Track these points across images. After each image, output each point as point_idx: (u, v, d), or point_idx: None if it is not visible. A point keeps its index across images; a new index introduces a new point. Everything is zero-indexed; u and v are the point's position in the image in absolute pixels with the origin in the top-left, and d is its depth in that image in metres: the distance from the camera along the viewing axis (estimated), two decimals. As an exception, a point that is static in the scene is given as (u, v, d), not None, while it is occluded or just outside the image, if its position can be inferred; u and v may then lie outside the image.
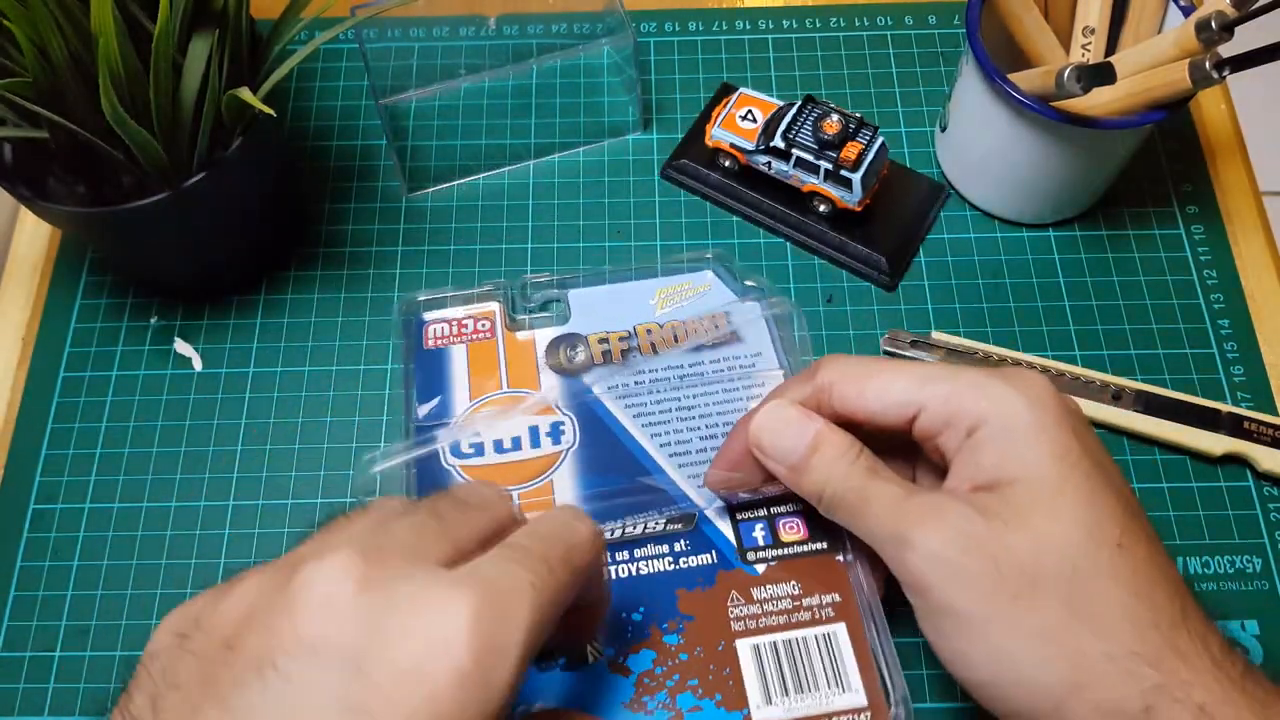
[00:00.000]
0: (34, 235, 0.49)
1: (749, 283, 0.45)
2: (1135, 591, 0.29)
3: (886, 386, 0.33)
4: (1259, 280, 0.47)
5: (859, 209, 0.45)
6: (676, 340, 0.42)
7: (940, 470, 0.34)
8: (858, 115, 0.45)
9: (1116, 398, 0.43)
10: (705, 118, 0.50)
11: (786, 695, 0.34)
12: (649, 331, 0.43)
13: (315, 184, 0.50)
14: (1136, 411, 0.43)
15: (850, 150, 0.44)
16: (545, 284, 0.44)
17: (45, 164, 0.42)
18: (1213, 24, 0.39)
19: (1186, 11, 0.43)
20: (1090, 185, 0.47)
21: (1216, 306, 0.46)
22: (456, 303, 0.44)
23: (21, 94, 0.37)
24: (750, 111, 0.47)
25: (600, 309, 0.44)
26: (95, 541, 0.42)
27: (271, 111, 0.37)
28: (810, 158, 0.45)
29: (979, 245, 0.48)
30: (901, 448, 0.35)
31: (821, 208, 0.46)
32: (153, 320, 0.47)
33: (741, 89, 0.48)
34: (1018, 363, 0.44)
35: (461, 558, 0.27)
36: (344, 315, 0.47)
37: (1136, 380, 0.44)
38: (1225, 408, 0.43)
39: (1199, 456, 0.43)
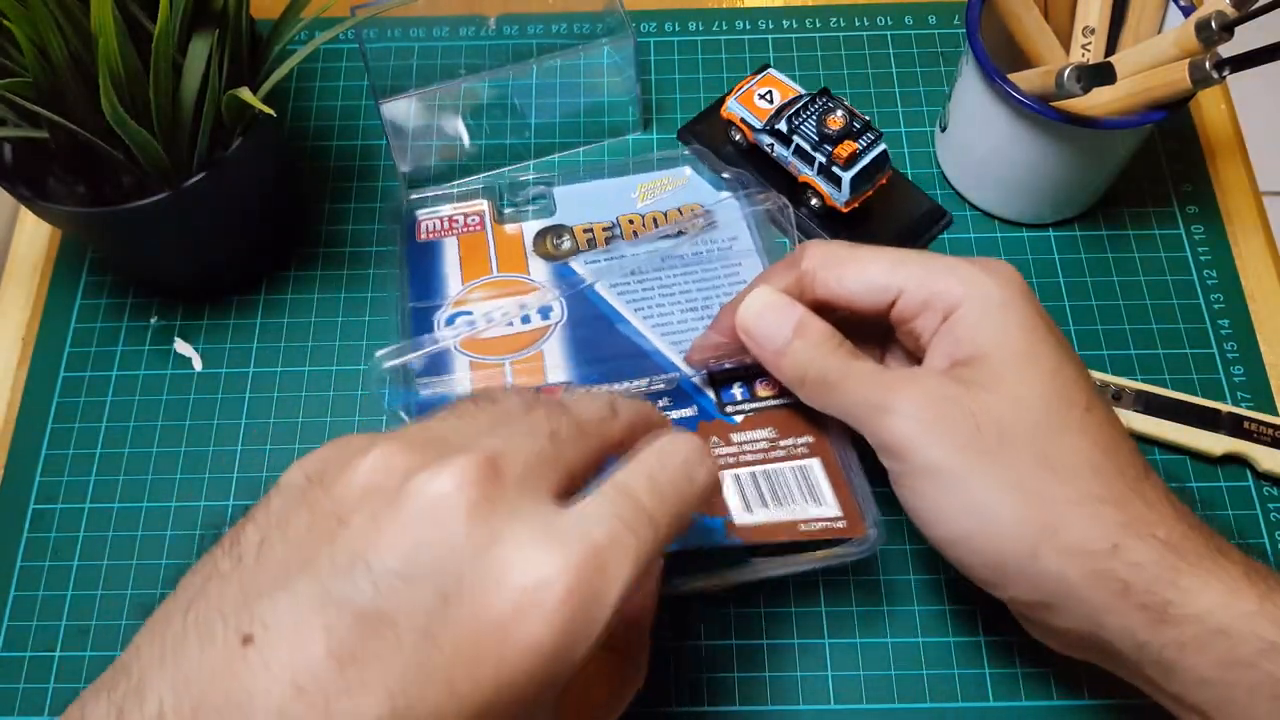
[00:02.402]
0: (34, 235, 0.49)
1: (725, 175, 0.47)
2: (1103, 448, 0.31)
3: (865, 271, 0.34)
4: (1259, 280, 0.47)
5: (845, 210, 0.45)
6: (657, 227, 0.44)
7: (912, 356, 0.35)
8: (866, 118, 0.45)
9: (1116, 398, 0.43)
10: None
11: (765, 506, 0.36)
12: (631, 222, 0.45)
13: (315, 184, 0.50)
14: (1136, 411, 0.43)
15: (844, 148, 0.44)
16: (530, 182, 0.46)
17: (45, 164, 0.42)
18: (1213, 24, 0.39)
19: (1186, 11, 0.43)
20: (1090, 185, 0.47)
21: (1216, 306, 0.46)
22: (446, 200, 0.45)
23: (21, 94, 0.37)
24: (770, 92, 0.47)
25: (585, 203, 0.45)
26: (95, 541, 0.42)
27: (271, 111, 0.37)
28: (808, 148, 0.45)
29: (979, 245, 0.48)
30: (873, 337, 0.37)
31: (813, 201, 0.46)
32: (153, 320, 0.47)
33: (770, 69, 0.48)
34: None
35: (574, 485, 0.26)
36: (344, 315, 0.47)
37: (1136, 380, 0.44)
38: (1225, 408, 0.43)
39: (1199, 456, 0.43)
